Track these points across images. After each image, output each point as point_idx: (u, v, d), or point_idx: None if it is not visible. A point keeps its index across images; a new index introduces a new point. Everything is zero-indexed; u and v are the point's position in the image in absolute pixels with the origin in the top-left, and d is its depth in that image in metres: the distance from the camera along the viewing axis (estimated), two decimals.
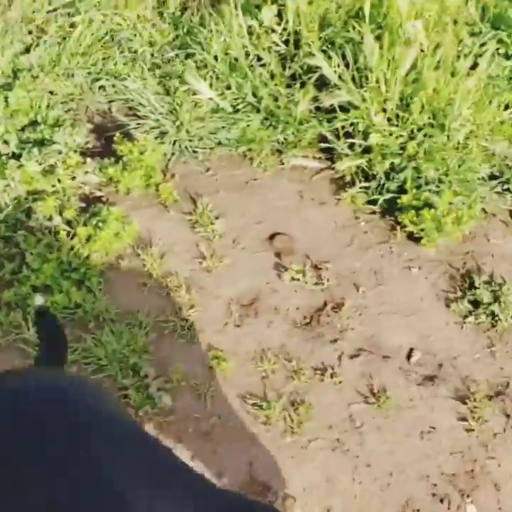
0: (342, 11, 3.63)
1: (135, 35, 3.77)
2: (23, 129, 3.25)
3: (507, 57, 3.64)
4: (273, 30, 3.65)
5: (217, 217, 3.11)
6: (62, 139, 3.22)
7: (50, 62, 3.55)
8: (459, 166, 3.29)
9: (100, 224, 2.89)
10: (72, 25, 3.73)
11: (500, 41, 3.65)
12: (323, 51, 3.51)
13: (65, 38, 3.67)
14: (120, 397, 2.56)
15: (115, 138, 3.22)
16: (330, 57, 3.49)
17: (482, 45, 3.61)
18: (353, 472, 2.48)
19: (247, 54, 3.59)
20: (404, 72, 3.36)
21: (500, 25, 3.69)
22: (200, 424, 2.54)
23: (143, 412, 2.52)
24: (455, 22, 3.72)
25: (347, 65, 3.46)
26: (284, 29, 3.60)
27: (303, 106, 3.31)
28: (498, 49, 3.56)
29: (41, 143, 3.20)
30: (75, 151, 3.19)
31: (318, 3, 3.60)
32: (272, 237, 3.09)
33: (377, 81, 3.36)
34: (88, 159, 3.19)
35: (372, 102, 3.33)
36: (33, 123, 3.30)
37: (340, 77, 3.43)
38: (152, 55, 3.70)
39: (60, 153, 3.14)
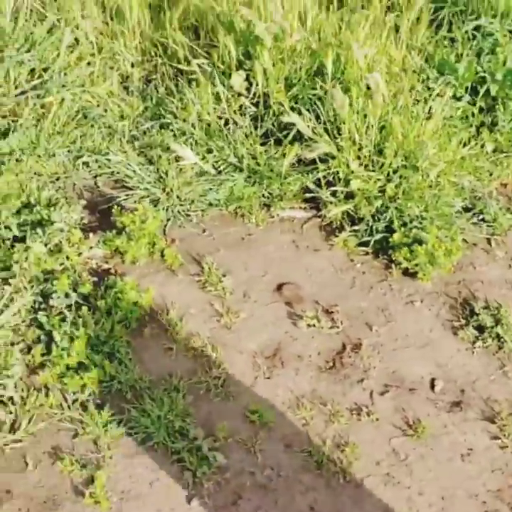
0: (303, 70, 3.74)
1: (106, 110, 3.77)
2: (19, 212, 3.19)
3: (457, 98, 3.82)
4: (240, 94, 3.73)
5: (224, 275, 3.12)
6: (59, 218, 3.18)
7: (29, 145, 3.50)
8: (436, 202, 3.42)
9: (119, 295, 2.86)
10: (43, 106, 3.70)
11: (448, 84, 3.84)
12: (292, 108, 3.61)
13: (39, 120, 3.63)
14: (174, 461, 2.52)
15: (113, 210, 3.22)
16: (300, 113, 3.60)
17: (431, 89, 3.79)
18: (408, 502, 2.51)
19: (220, 118, 3.65)
20: (373, 121, 3.48)
21: (445, 70, 3.88)
22: (256, 478, 2.53)
23: (200, 473, 2.49)
24: (404, 71, 3.91)
25: (317, 119, 3.58)
26: (254, 93, 3.67)
27: (287, 162, 3.38)
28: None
29: (40, 223, 3.16)
30: (75, 228, 3.15)
31: (281, 65, 3.70)
32: (279, 287, 3.13)
33: (349, 131, 3.47)
34: (90, 234, 3.16)
35: (349, 151, 3.44)
36: (27, 205, 3.24)
37: (313, 130, 3.53)
38: (128, 128, 3.70)
39: (61, 231, 3.10)
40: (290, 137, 3.54)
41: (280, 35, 3.71)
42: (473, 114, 3.79)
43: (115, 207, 3.23)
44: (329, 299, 3.10)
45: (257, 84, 3.65)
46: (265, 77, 3.66)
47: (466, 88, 3.85)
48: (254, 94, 3.70)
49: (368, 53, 3.71)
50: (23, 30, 3.86)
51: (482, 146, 3.76)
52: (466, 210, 3.49)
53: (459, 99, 3.84)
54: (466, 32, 4.09)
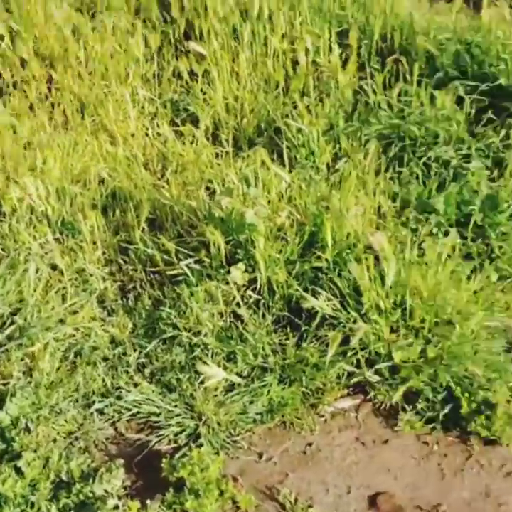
0: (295, 245, 3.45)
1: (94, 341, 3.29)
2: (55, 496, 2.65)
3: (445, 234, 3.61)
4: (238, 285, 3.38)
5: (310, 506, 2.70)
6: (100, 489, 2.65)
7: (30, 407, 2.98)
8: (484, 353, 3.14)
9: None
10: (27, 355, 3.18)
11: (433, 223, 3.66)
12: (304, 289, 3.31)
13: (30, 374, 3.12)
14: None
15: (162, 465, 2.73)
16: (305, 290, 3.31)
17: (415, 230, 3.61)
18: None
19: (222, 316, 3.29)
20: (390, 282, 3.21)
21: (425, 209, 3.71)
22: None
23: None
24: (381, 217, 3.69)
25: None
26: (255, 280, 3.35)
27: (331, 353, 3.02)
28: None
29: (84, 504, 2.62)
30: (126, 496, 2.63)
31: (274, 245, 3.40)
32: (371, 501, 2.74)
33: (370, 299, 3.19)
34: (148, 501, 2.64)
35: (379, 321, 3.15)
36: (60, 484, 2.70)
37: (332, 307, 3.23)
38: (128, 356, 3.24)
39: (117, 508, 2.57)
40: (316, 322, 3.18)
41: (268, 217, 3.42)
42: (465, 246, 3.58)
43: (164, 461, 2.74)
44: (429, 499, 2.73)
45: (260, 272, 3.30)
46: (264, 262, 3.33)
47: (451, 224, 3.67)
48: (255, 280, 3.35)
49: (358, 212, 3.48)
50: None
51: (487, 278, 3.53)
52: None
53: (445, 234, 3.62)
54: (425, 164, 3.96)
